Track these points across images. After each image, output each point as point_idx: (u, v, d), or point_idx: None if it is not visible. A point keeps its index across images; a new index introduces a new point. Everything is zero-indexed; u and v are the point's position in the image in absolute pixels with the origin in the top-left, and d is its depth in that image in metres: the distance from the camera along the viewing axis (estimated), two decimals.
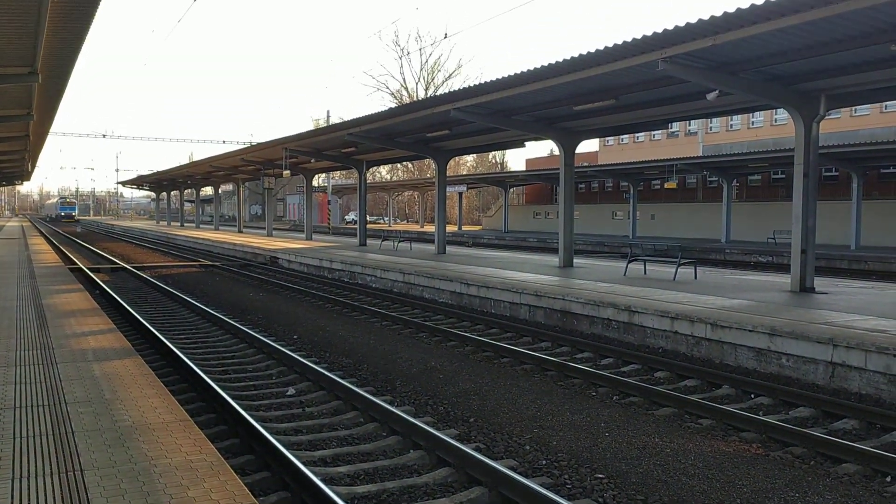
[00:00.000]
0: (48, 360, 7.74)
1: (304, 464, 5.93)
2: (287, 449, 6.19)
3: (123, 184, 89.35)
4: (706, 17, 10.54)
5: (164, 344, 10.88)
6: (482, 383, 9.26)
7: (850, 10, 9.40)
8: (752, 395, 8.76)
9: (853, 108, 38.68)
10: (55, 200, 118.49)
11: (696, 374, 9.59)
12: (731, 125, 50.39)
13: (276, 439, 6.44)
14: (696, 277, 16.57)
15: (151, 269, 25.51)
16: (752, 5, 9.90)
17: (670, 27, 11.13)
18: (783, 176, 39.50)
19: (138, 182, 76.87)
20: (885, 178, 35.78)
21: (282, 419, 7.80)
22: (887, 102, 36.13)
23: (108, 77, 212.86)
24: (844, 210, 32.42)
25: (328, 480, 5.90)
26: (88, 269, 23.86)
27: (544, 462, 6.47)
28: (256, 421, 6.97)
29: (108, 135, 72.02)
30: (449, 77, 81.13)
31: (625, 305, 12.17)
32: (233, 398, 7.87)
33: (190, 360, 9.78)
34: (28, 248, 28.80)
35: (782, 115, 40.76)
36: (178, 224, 70.04)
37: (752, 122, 48.13)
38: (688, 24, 10.86)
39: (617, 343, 11.92)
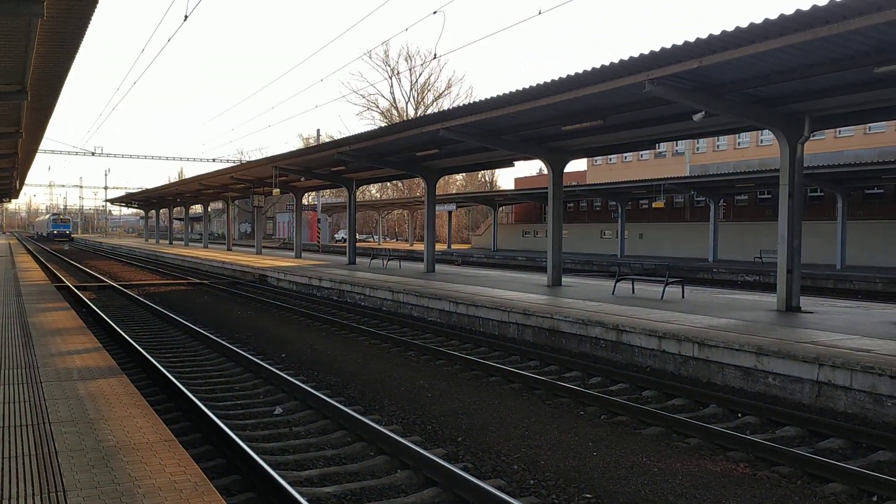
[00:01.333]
0: (32, 379, 7.67)
1: (291, 484, 5.90)
2: (273, 469, 6.15)
3: (112, 201, 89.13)
4: (692, 40, 10.67)
5: (151, 363, 10.81)
6: (470, 402, 9.24)
7: (833, 33, 9.54)
8: (739, 415, 8.78)
9: (837, 129, 39.12)
10: (46, 217, 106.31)
11: (683, 393, 9.61)
12: (718, 146, 50.86)
13: (263, 459, 6.41)
14: (683, 296, 16.63)
15: (139, 287, 25.38)
16: (737, 28, 10.04)
17: (657, 49, 11.25)
18: (769, 196, 39.85)
19: (127, 200, 76.66)
20: (870, 198, 36.14)
21: (268, 438, 7.76)
22: (871, 124, 36.58)
23: (97, 95, 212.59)
24: (830, 230, 32.70)
25: (314, 501, 5.86)
26: (75, 286, 23.71)
27: (532, 482, 6.46)
28: (242, 440, 6.93)
29: (96, 152, 71.41)
30: (439, 96, 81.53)
31: (613, 324, 12.20)
32: (219, 417, 7.83)
33: (176, 378, 9.72)
34: (15, 266, 28.59)
35: (768, 135, 41.20)
36: (167, 242, 69.76)
37: (739, 143, 48.62)
38: (674, 46, 10.99)
39: (605, 362, 11.93)
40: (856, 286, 25.93)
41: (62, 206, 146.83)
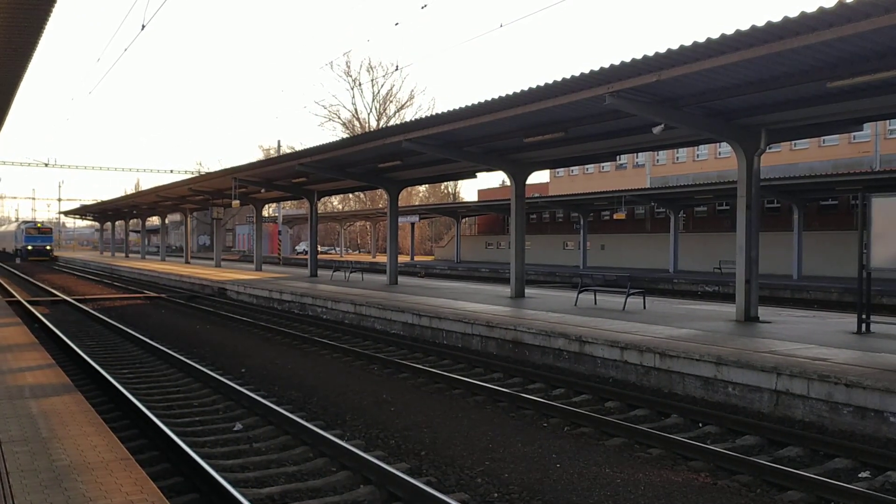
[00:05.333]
0: None
1: (251, 502, 5.79)
2: (233, 486, 6.02)
3: (66, 213, 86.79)
4: (651, 54, 10.83)
5: (106, 379, 10.55)
6: (434, 415, 9.19)
7: (787, 48, 9.76)
8: (700, 424, 8.86)
9: (793, 142, 40.04)
10: (14, 227, 76.22)
11: (645, 404, 9.68)
12: (678, 157, 51.67)
13: (222, 476, 6.27)
14: (644, 307, 16.80)
15: (94, 302, 24.83)
16: (695, 43, 10.21)
17: (617, 62, 11.39)
18: (728, 207, 40.57)
19: (82, 212, 75.08)
20: (824, 209, 37.01)
21: (228, 455, 7.61)
22: (825, 137, 37.50)
23: (51, 105, 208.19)
24: (787, 241, 33.38)
25: None
26: (27, 301, 23.13)
27: (496, 495, 6.42)
28: (202, 458, 6.78)
29: (50, 163, 69.63)
30: (401, 108, 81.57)
31: (576, 335, 12.26)
32: (177, 434, 7.65)
33: (132, 395, 9.51)
34: None
35: (726, 148, 41.99)
36: (123, 255, 68.50)
37: (698, 155, 49.44)
38: (633, 59, 11.14)
39: (568, 373, 11.97)
40: (812, 296, 26.49)
41: (14, 219, 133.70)
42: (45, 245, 65.37)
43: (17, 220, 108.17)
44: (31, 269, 49.79)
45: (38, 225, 68.49)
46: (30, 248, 64.24)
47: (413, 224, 61.61)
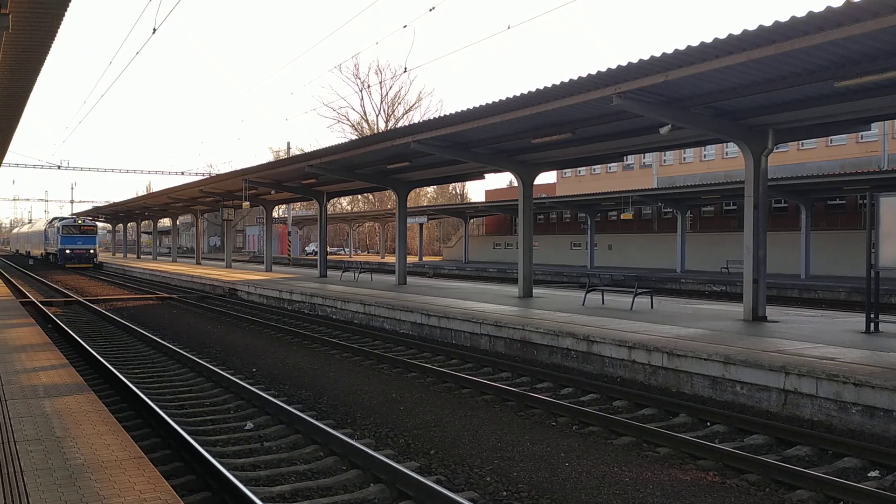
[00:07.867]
0: None
1: (262, 500, 5.86)
2: (244, 485, 6.10)
3: (79, 215, 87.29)
4: (658, 54, 10.85)
5: (119, 379, 10.65)
6: (443, 414, 9.24)
7: (795, 48, 9.77)
8: (709, 423, 8.89)
9: (800, 141, 39.89)
10: (45, 224, 63.72)
11: (653, 403, 9.71)
12: (685, 158, 51.55)
13: (234, 475, 6.35)
14: (652, 307, 16.81)
15: (106, 302, 25.00)
16: (702, 43, 10.23)
17: (624, 63, 11.42)
18: (735, 207, 40.44)
19: (94, 213, 75.38)
20: (832, 209, 36.87)
21: (240, 454, 7.68)
22: (832, 137, 37.34)
23: (63, 108, 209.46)
24: (794, 240, 33.29)
25: None
26: (41, 302, 23.30)
27: (505, 493, 6.47)
28: (213, 456, 6.86)
29: (63, 165, 69.79)
30: (409, 110, 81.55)
31: (583, 335, 12.29)
32: (189, 433, 7.74)
33: (145, 394, 9.60)
34: None
35: (733, 148, 41.85)
36: (135, 256, 68.82)
37: (705, 155, 49.31)
38: (641, 60, 11.16)
39: (576, 372, 12.01)
40: (820, 295, 26.41)
41: (27, 220, 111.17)
42: (88, 248, 51.98)
43: (30, 221, 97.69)
44: (43, 270, 49.86)
45: (80, 222, 53.83)
46: (68, 251, 50.94)
47: (421, 225, 61.73)
